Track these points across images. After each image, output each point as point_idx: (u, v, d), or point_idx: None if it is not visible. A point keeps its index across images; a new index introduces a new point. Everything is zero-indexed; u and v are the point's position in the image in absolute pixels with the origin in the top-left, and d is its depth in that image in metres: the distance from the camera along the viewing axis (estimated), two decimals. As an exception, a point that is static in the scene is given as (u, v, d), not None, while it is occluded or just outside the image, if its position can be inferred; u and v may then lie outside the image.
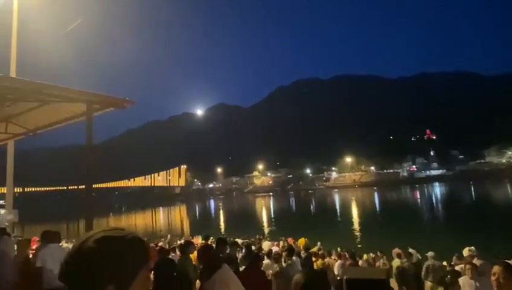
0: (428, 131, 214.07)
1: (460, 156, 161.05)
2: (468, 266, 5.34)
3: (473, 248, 7.24)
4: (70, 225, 50.98)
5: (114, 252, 0.82)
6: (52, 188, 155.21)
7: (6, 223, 14.28)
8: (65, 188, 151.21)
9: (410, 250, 10.58)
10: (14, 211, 14.12)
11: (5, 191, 15.07)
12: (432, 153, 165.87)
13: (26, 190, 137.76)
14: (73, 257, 0.83)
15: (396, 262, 9.69)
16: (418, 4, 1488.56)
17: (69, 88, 4.72)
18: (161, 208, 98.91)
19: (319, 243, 13.80)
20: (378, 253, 12.75)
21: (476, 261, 6.81)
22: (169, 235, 20.37)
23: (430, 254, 8.84)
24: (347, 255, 11.17)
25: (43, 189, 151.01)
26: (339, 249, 13.41)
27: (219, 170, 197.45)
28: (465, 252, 7.27)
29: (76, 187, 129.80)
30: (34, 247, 8.78)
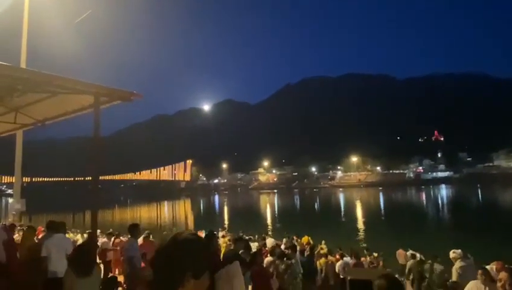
0: (436, 132, 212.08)
1: (468, 159, 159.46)
2: (480, 271, 5.24)
3: (458, 250, 7.18)
4: (76, 215, 51.55)
5: (196, 248, 1.17)
6: (59, 179, 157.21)
7: (14, 212, 14.50)
8: (72, 179, 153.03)
9: (412, 252, 10.52)
10: (22, 201, 14.34)
11: (14, 181, 15.30)
12: (439, 155, 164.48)
13: (34, 180, 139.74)
14: (167, 246, 1.16)
15: (411, 263, 9.59)
16: (429, 4, 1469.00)
17: (77, 80, 4.74)
18: (166, 202, 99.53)
19: (323, 242, 13.75)
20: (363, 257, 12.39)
21: (459, 263, 6.76)
22: (174, 229, 20.51)
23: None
24: (345, 255, 11.12)
25: (50, 179, 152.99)
26: (339, 249, 13.34)
27: (224, 165, 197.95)
28: (451, 254, 7.27)
29: (82, 179, 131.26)
30: (39, 236, 8.90)
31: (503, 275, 2.67)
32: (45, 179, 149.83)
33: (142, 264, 7.50)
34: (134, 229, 6.96)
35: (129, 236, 7.51)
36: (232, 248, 6.33)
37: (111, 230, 13.54)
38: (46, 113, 6.67)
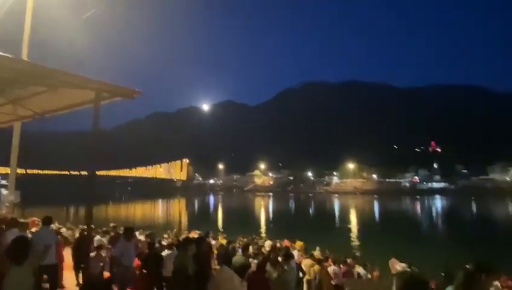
0: (433, 143, 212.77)
1: (464, 171, 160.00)
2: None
3: (403, 264, 7.01)
4: (69, 209, 51.27)
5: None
6: (54, 172, 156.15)
7: (7, 204, 14.38)
8: (67, 173, 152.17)
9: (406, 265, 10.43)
10: (16, 192, 14.21)
11: (9, 172, 15.18)
12: (435, 166, 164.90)
13: (28, 171, 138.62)
14: None
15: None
16: (432, 15, 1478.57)
17: (79, 75, 4.72)
18: (160, 200, 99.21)
19: (317, 248, 13.71)
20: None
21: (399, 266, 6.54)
22: (175, 230, 20.28)
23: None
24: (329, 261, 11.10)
25: (45, 172, 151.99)
26: (326, 251, 13.33)
27: (220, 166, 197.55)
28: (397, 266, 7.12)
29: (78, 173, 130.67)
30: (33, 229, 8.85)
31: None
32: (40, 171, 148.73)
33: (137, 262, 7.48)
34: (128, 231, 7.10)
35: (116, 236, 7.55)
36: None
37: (104, 228, 13.47)
38: (45, 106, 6.63)
